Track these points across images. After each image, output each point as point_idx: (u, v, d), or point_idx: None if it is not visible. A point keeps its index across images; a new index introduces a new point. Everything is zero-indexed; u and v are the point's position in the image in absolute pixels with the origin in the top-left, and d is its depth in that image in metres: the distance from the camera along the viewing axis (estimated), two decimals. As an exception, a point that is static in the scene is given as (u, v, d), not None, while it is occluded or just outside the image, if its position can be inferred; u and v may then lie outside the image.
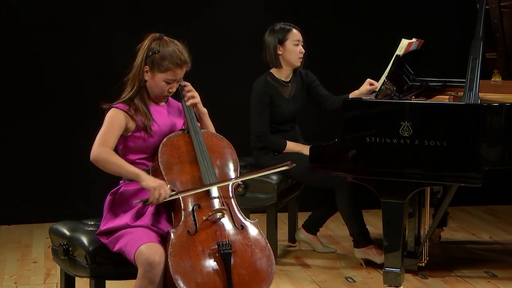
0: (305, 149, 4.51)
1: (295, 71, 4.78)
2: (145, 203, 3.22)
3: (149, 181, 3.21)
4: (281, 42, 4.63)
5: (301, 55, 4.68)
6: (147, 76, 3.36)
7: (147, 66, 3.34)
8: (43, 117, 5.60)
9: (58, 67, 5.60)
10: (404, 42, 4.39)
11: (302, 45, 4.68)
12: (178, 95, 3.47)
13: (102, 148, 3.25)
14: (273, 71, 4.73)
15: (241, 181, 3.44)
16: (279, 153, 4.68)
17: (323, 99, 4.84)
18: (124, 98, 3.35)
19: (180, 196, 3.24)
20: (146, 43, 3.37)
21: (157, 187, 3.19)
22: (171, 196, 3.22)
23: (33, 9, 5.53)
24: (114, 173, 3.28)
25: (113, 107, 3.34)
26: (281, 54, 4.65)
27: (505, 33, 4.64)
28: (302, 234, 4.93)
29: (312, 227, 4.93)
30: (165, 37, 3.39)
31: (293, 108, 4.74)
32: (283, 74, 4.72)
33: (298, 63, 4.69)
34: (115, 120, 3.31)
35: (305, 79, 4.84)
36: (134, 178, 3.25)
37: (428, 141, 3.85)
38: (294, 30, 4.66)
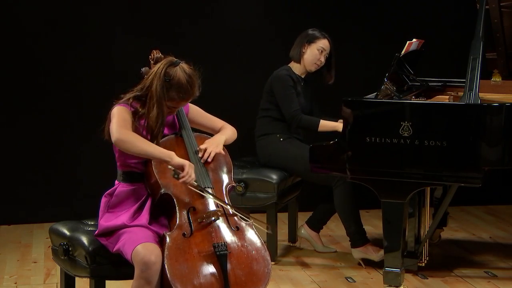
0: (339, 127, 4.45)
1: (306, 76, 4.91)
2: (177, 175, 3.20)
3: (182, 159, 3.22)
4: (309, 42, 4.80)
5: (319, 63, 4.83)
6: None
7: None
8: (43, 118, 5.59)
9: (57, 68, 5.59)
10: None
11: (325, 57, 4.82)
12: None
13: (126, 130, 3.20)
14: (291, 65, 4.87)
15: (221, 206, 3.36)
16: (314, 131, 4.72)
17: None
18: (133, 111, 3.29)
19: (203, 193, 3.25)
20: (161, 67, 3.28)
21: (190, 165, 3.22)
22: (193, 186, 3.23)
23: (32, 9, 5.52)
24: (141, 152, 3.19)
25: (118, 105, 3.29)
26: (304, 52, 4.80)
27: (505, 33, 4.64)
28: (305, 231, 4.92)
29: (316, 223, 4.92)
30: (181, 65, 3.30)
31: (305, 102, 4.83)
32: (299, 70, 4.86)
33: (312, 67, 4.84)
34: (124, 114, 3.25)
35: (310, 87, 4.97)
36: (165, 157, 3.21)
37: (428, 141, 3.84)
38: (326, 40, 4.83)
